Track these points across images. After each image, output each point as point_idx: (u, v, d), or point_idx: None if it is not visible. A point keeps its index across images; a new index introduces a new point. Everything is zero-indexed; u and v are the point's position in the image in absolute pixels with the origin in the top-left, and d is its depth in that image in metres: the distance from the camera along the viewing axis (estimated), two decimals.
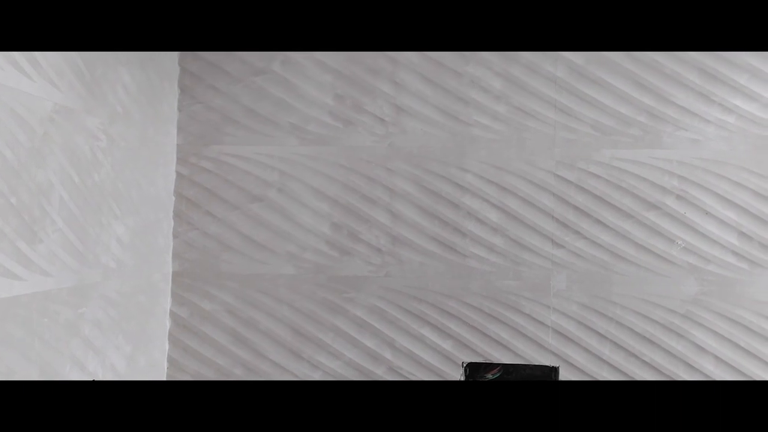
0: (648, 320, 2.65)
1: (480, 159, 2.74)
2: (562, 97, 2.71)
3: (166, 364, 2.85)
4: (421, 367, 2.74)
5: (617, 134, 2.68)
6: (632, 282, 2.66)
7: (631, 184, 2.67)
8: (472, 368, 2.74)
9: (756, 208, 2.60)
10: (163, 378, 2.83)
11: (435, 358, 2.75)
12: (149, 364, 2.75)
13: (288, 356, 2.79)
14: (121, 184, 2.53)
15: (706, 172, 2.63)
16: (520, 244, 2.72)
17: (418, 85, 2.77)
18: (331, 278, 2.79)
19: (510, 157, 2.73)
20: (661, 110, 2.66)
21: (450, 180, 2.75)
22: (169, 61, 2.82)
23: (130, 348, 2.61)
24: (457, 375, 2.72)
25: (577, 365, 2.68)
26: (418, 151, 2.77)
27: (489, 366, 2.73)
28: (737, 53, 2.62)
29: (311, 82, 2.81)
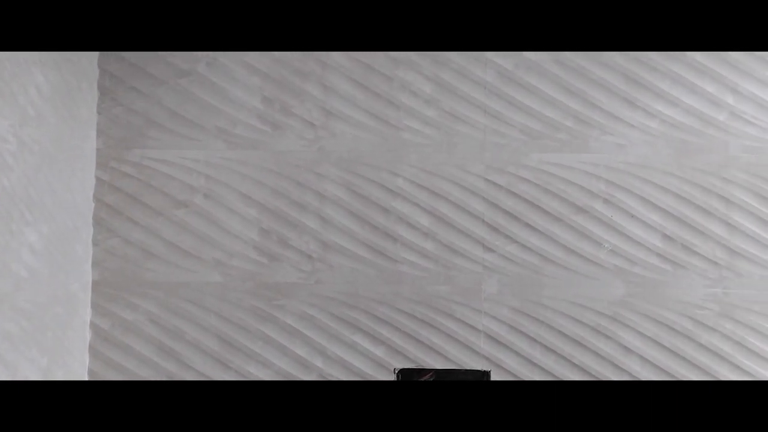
0: (577, 322, 2.67)
1: (411, 163, 2.71)
2: (491, 102, 2.71)
3: (86, 377, 2.72)
4: (352, 375, 2.70)
5: (546, 138, 2.70)
6: (562, 285, 2.68)
7: (560, 188, 2.69)
8: (404, 374, 2.71)
9: (678, 210, 2.65)
10: None
11: (367, 365, 2.70)
12: (68, 377, 2.62)
13: (215, 367, 2.70)
14: (34, 190, 2.40)
15: (632, 176, 2.67)
16: (451, 249, 2.70)
17: (348, 88, 2.73)
18: (260, 285, 2.71)
19: (441, 161, 2.71)
20: (588, 115, 2.70)
21: (381, 184, 2.72)
22: (87, 61, 2.70)
23: (46, 361, 2.48)
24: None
25: (509, 369, 2.68)
26: (349, 155, 2.72)
27: (421, 371, 2.71)
28: (659, 60, 2.67)
29: (238, 84, 2.73)
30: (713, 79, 2.67)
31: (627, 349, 2.65)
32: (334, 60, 2.73)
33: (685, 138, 2.67)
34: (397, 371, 2.69)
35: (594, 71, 2.70)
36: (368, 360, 2.70)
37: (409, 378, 2.70)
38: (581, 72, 2.70)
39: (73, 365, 2.65)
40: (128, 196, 2.73)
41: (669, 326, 2.64)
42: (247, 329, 2.71)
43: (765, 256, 2.63)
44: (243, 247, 2.72)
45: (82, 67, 2.67)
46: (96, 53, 2.72)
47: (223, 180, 2.73)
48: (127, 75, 2.75)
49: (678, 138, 2.67)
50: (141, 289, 2.72)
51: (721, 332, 2.62)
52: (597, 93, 2.70)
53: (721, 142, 2.66)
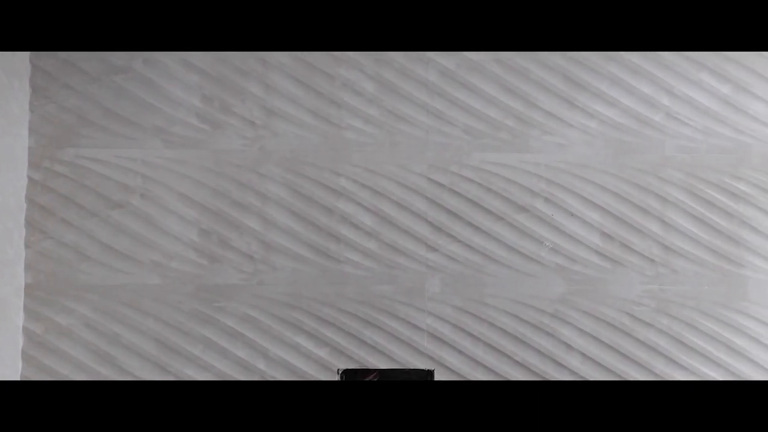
0: (519, 320, 2.69)
1: (353, 163, 2.70)
2: (434, 101, 2.72)
3: None
4: (295, 377, 2.67)
5: (487, 138, 2.71)
6: (504, 283, 2.70)
7: (501, 187, 2.71)
8: (348, 375, 2.69)
9: (617, 209, 2.70)
10: None
11: (310, 366, 2.67)
12: None
13: (154, 371, 2.64)
14: None
15: (571, 175, 2.71)
16: (394, 248, 2.70)
17: (290, 87, 2.70)
18: (200, 287, 2.66)
19: (383, 160, 2.70)
20: (529, 115, 2.72)
21: (323, 184, 2.69)
22: (18, 58, 2.61)
23: None
24: None
25: (452, 368, 2.69)
26: (291, 154, 2.69)
27: (365, 372, 2.69)
28: (598, 61, 2.71)
29: (176, 82, 2.68)
30: (650, 81, 2.73)
31: (568, 346, 2.69)
32: (276, 59, 2.70)
33: (623, 138, 2.72)
34: (340, 372, 2.67)
35: (534, 72, 2.73)
36: (311, 361, 2.67)
37: (353, 378, 2.68)
38: (522, 72, 2.72)
39: (5, 371, 2.56)
40: (62, 196, 2.65)
41: (608, 322, 2.68)
42: (187, 332, 2.65)
43: (699, 253, 2.69)
44: (182, 249, 2.66)
45: (14, 63, 2.57)
46: None
47: (161, 180, 2.66)
48: (60, 72, 2.66)
49: (616, 138, 2.72)
50: (75, 292, 2.64)
51: (657, 327, 2.68)
52: (537, 93, 2.72)
53: (658, 142, 2.72)
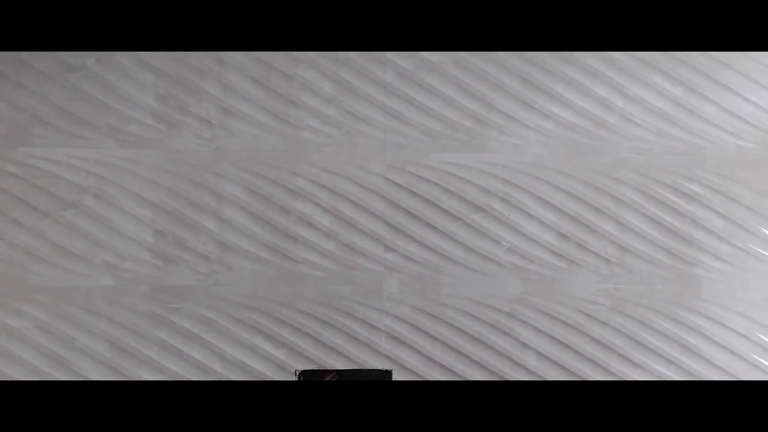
0: (476, 320, 2.71)
1: (311, 163, 2.69)
2: (392, 102, 2.72)
3: None
4: (252, 378, 2.65)
5: (445, 139, 2.73)
6: (461, 283, 2.71)
7: (459, 187, 2.72)
8: (306, 376, 2.68)
9: (572, 209, 2.73)
10: None
11: (268, 368, 2.66)
12: None
13: (108, 374, 2.60)
14: None
15: (528, 176, 2.74)
16: (352, 249, 2.69)
17: (247, 86, 2.68)
18: (155, 288, 2.63)
19: (341, 161, 2.70)
20: (486, 116, 2.74)
21: (280, 184, 2.68)
22: None
23: None
24: None
25: (411, 368, 2.69)
26: (247, 154, 2.68)
27: (323, 372, 2.68)
28: (554, 63, 2.74)
29: (131, 81, 2.65)
30: (604, 83, 2.77)
31: (524, 345, 2.71)
32: (233, 58, 2.68)
33: (579, 139, 2.75)
34: (298, 373, 2.66)
35: (492, 73, 2.75)
36: (269, 363, 2.66)
37: (311, 379, 2.67)
38: (480, 74, 2.74)
39: None
40: (13, 196, 2.60)
41: (564, 321, 2.71)
42: (142, 334, 2.62)
43: (653, 252, 2.73)
44: (136, 249, 2.63)
45: None
46: None
47: (115, 180, 2.63)
48: (11, 70, 2.62)
49: (571, 139, 2.75)
50: (27, 294, 2.59)
51: (612, 326, 2.71)
52: (495, 94, 2.75)
53: (613, 143, 2.76)
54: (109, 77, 2.64)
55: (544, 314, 2.71)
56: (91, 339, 2.60)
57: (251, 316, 2.66)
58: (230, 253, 2.66)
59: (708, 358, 2.71)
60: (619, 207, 2.74)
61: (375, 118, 2.72)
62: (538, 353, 2.70)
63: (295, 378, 2.66)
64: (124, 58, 2.64)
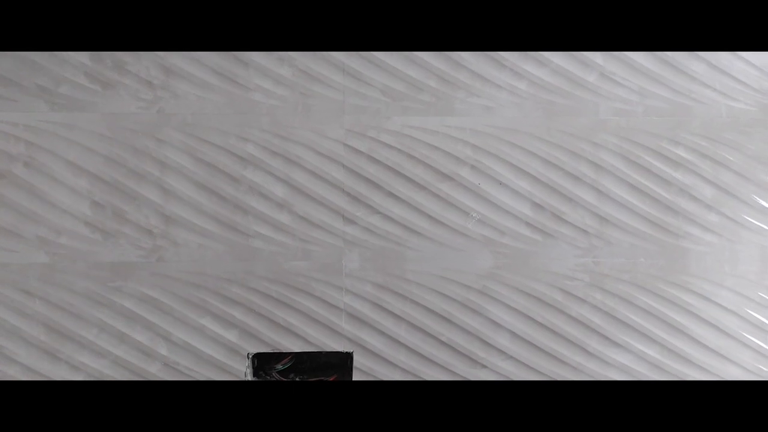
0: (444, 297, 2.50)
1: (262, 127, 2.47)
2: (350, 60, 2.49)
3: None
4: (202, 362, 2.44)
5: (408, 100, 2.50)
6: (427, 258, 2.50)
7: (424, 153, 2.50)
8: (260, 360, 2.47)
9: (547, 177, 2.51)
10: None
11: (218, 351, 2.45)
12: None
13: (42, 358, 2.40)
14: None
15: (499, 141, 2.51)
16: (308, 221, 2.48)
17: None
18: (93, 266, 2.42)
19: (295, 125, 2.48)
20: (453, 75, 2.51)
21: (229, 151, 2.46)
22: None
23: None
24: (243, 368, 2.45)
25: (373, 350, 2.49)
26: (192, 118, 2.45)
27: (279, 356, 2.48)
28: None
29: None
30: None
31: (496, 324, 2.50)
32: None
33: (555, 100, 2.53)
34: (251, 356, 2.46)
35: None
36: (219, 345, 2.45)
37: (265, 363, 2.47)
38: None
39: None
40: None
41: (539, 299, 2.50)
42: (79, 315, 2.41)
43: (635, 223, 2.52)
44: (72, 223, 2.41)
45: None
46: None
47: (47, 146, 2.41)
48: None
49: (547, 100, 2.53)
50: None
51: (591, 303, 2.50)
52: (462, 51, 2.51)
53: (591, 104, 2.53)
54: None
55: (518, 291, 2.50)
56: (22, 321, 2.39)
57: (199, 294, 2.45)
58: (175, 226, 2.44)
59: (695, 337, 2.51)
60: (598, 174, 2.52)
61: (331, 78, 2.49)
62: (512, 333, 2.50)
63: (247, 362, 2.45)
64: None
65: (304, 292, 2.47)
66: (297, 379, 2.48)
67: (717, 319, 2.51)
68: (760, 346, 2.50)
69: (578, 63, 2.53)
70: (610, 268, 2.51)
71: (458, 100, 2.50)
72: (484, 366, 2.48)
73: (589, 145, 2.52)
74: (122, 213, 2.42)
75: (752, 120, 2.54)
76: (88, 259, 2.41)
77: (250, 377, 2.44)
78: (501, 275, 2.50)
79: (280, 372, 2.48)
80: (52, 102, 2.41)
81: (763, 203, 2.52)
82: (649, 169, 2.52)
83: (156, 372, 2.42)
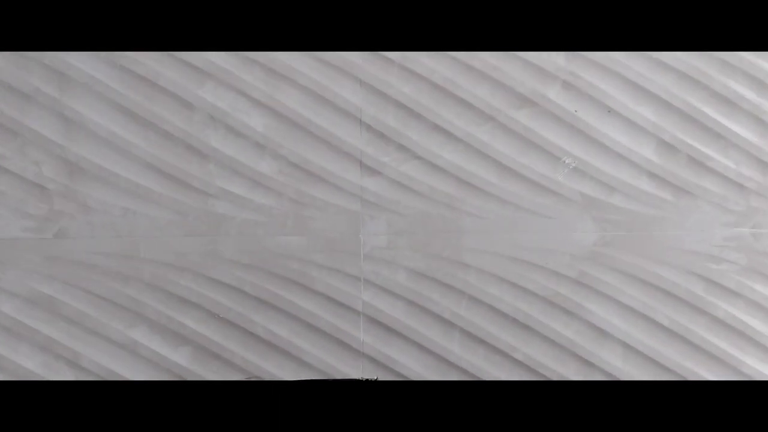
0: (520, 291, 1.58)
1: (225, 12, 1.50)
2: None
3: None
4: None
5: None
6: (494, 229, 1.58)
7: (491, 63, 1.56)
8: None
9: (682, 100, 1.59)
10: None
11: (161, 378, 1.51)
12: None
13: None
14: None
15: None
16: (304, 171, 1.53)
17: None
18: None
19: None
20: None
21: (173, 56, 1.49)
22: None
23: None
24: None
25: (408, 374, 1.56)
26: None
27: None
28: None
29: None
30: None
31: (600, 332, 1.59)
32: None
33: None
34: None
35: None
36: (160, 371, 1.51)
37: None
38: None
39: None
40: None
41: (667, 291, 1.59)
42: None
43: None
44: None
45: None
46: None
47: None
48: None
49: None
50: None
51: (748, 298, 1.60)
52: None
53: None
54: None
55: (635, 280, 1.59)
56: None
57: (126, 291, 1.50)
58: (84, 180, 1.49)
59: None
60: (763, 94, 1.60)
61: None
62: (624, 345, 1.59)
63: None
64: None
65: (298, 284, 1.54)
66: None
67: None
68: None
69: None
70: None
71: None
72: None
73: (750, 54, 1.60)
74: None
75: None
76: None
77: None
78: (609, 255, 1.59)
79: None
80: None
81: None
82: None
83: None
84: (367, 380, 1.55)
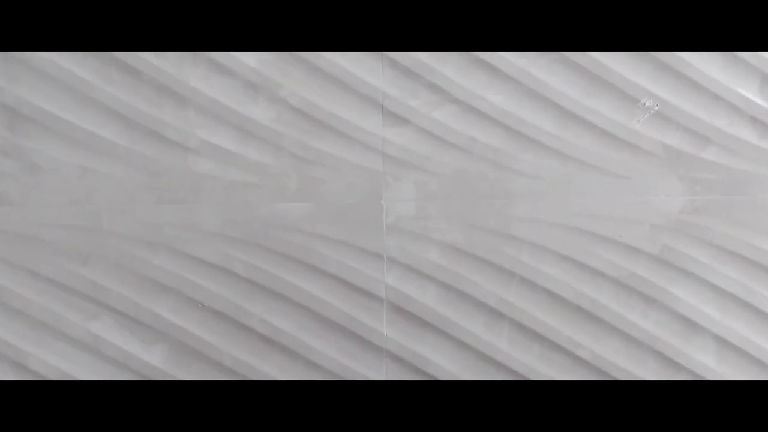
0: (586, 271, 1.24)
1: None
2: None
3: None
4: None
5: None
6: (551, 192, 1.24)
7: None
8: None
9: None
10: None
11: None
12: None
13: None
14: None
15: None
16: (308, 117, 1.20)
17: None
18: None
19: None
20: None
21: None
22: None
23: None
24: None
25: (442, 375, 1.23)
26: None
27: None
28: None
29: None
30: None
31: (691, 324, 1.25)
32: None
33: None
34: None
35: None
36: (127, 373, 1.18)
37: None
38: None
39: None
40: None
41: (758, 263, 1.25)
42: None
43: None
44: None
45: None
46: None
47: None
48: None
49: None
50: None
51: None
52: None
53: None
54: None
55: (731, 255, 1.25)
56: None
57: (83, 273, 1.18)
58: (30, 128, 1.16)
59: None
60: None
61: None
62: (718, 339, 1.24)
63: None
64: None
65: (303, 264, 1.21)
66: None
67: None
68: None
69: None
70: None
71: None
72: None
73: None
74: None
75: None
76: None
77: None
78: (700, 226, 1.24)
79: None
80: None
81: None
82: None
83: None
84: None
